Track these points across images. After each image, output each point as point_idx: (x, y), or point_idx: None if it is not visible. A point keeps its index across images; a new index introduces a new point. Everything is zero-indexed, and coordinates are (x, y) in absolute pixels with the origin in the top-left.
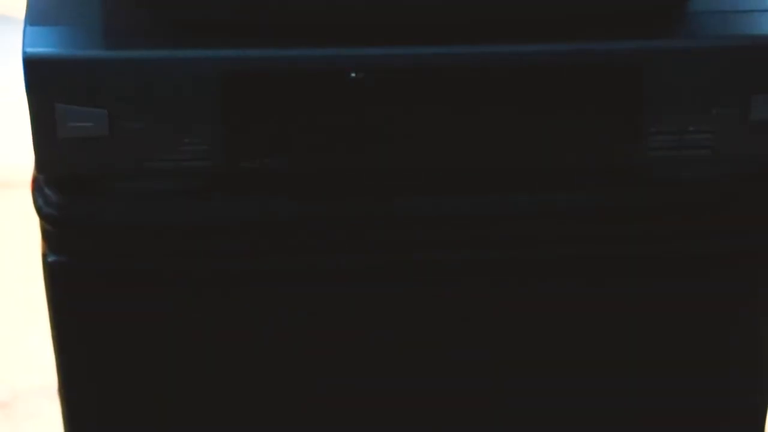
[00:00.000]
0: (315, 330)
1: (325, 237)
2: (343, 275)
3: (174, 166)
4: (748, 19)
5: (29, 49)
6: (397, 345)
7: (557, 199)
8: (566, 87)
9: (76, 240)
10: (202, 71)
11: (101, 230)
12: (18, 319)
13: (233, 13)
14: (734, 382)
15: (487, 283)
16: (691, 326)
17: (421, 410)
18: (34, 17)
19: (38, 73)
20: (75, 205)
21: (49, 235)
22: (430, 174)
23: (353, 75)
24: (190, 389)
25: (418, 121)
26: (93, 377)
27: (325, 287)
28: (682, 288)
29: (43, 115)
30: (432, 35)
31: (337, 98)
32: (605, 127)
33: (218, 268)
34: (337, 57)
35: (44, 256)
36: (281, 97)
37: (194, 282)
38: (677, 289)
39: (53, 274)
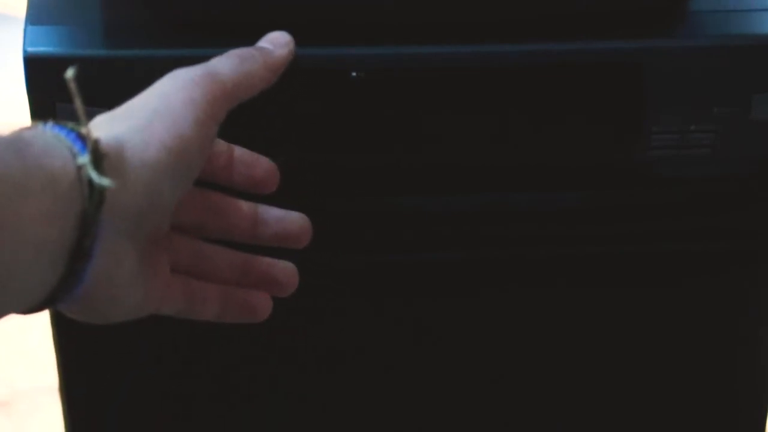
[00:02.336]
0: (314, 330)
1: (325, 237)
2: (343, 275)
3: None
4: (748, 19)
5: (30, 48)
6: (397, 344)
7: (558, 198)
8: (567, 87)
9: None
10: None
11: None
12: (18, 318)
13: (233, 12)
14: (734, 382)
15: (488, 282)
16: (691, 326)
17: (421, 410)
18: (34, 16)
19: (39, 72)
20: None
21: None
22: (431, 173)
23: (353, 74)
24: (190, 387)
25: (419, 120)
26: (93, 375)
27: (325, 287)
28: (681, 288)
29: (43, 114)
30: (433, 35)
31: (337, 98)
32: (606, 127)
33: None
34: (337, 57)
35: None
36: (280, 97)
37: None
38: (677, 288)
39: None
